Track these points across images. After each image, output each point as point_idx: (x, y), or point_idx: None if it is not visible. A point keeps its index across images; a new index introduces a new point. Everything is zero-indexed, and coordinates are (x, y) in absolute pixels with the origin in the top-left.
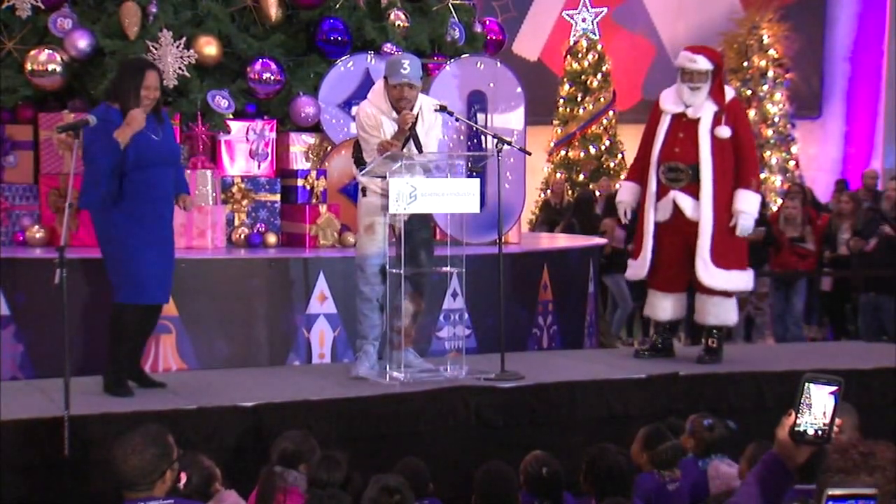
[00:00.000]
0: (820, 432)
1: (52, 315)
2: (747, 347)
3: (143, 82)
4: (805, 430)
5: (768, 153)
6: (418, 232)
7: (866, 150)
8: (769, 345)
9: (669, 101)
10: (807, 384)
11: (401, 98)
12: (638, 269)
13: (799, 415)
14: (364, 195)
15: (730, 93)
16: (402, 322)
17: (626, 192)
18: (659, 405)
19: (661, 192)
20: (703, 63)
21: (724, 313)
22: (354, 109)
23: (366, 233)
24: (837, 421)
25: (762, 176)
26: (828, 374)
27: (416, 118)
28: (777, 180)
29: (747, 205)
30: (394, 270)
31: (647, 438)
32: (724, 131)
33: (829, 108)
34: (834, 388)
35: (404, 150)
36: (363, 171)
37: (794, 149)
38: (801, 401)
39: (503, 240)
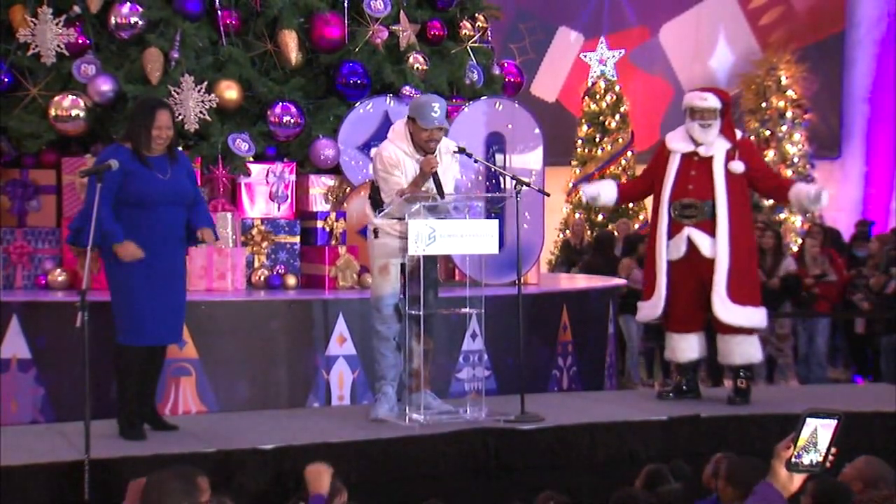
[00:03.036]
0: (815, 462)
1: (74, 358)
2: (770, 389)
3: (154, 122)
4: (801, 461)
5: None
6: (428, 273)
7: (887, 191)
8: (792, 386)
9: (678, 141)
10: (807, 418)
11: (430, 140)
12: (651, 309)
13: (803, 450)
14: (376, 237)
15: (738, 133)
16: (414, 363)
17: (608, 185)
18: (680, 447)
19: (674, 230)
20: (712, 101)
21: (749, 351)
22: (374, 151)
23: (380, 273)
24: (833, 450)
25: (781, 216)
26: (828, 409)
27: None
28: (797, 220)
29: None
30: (412, 311)
31: (649, 478)
32: (738, 166)
33: (849, 148)
34: (833, 422)
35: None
36: (381, 214)
37: None
38: (801, 434)
39: (522, 280)
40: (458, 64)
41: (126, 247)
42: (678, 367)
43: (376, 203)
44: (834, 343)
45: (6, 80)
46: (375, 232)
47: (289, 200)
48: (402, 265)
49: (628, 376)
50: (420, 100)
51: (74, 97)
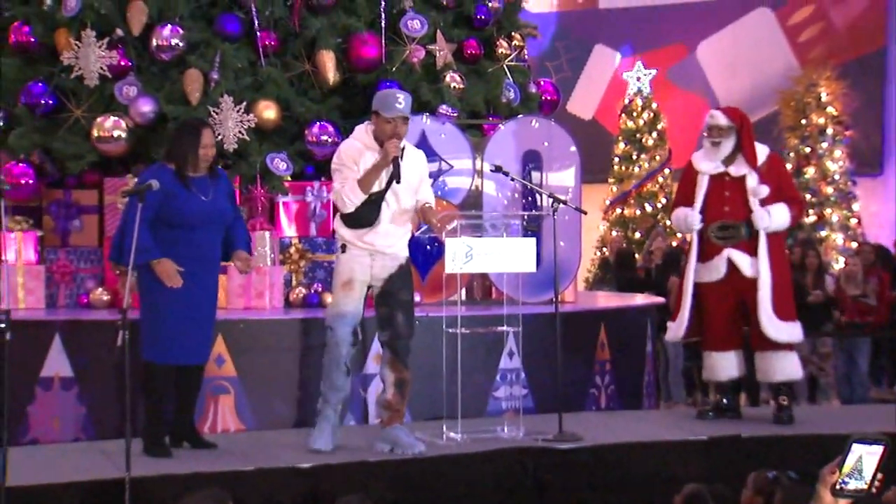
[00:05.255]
0: (860, 488)
1: (115, 377)
2: (812, 409)
3: (200, 141)
4: (846, 487)
5: (829, 211)
6: (398, 293)
7: None
8: (834, 406)
9: (706, 161)
10: (853, 444)
11: (394, 134)
12: (676, 329)
13: (848, 476)
14: (343, 251)
15: (764, 150)
16: (387, 395)
17: (685, 210)
18: (720, 468)
19: (711, 251)
20: (719, 118)
21: (790, 368)
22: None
23: (343, 289)
24: (879, 476)
25: (822, 234)
26: (874, 435)
27: (402, 152)
28: (839, 238)
29: (776, 210)
30: (383, 338)
31: (688, 500)
32: (762, 191)
33: (890, 165)
34: (880, 449)
35: (390, 184)
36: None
37: (855, 206)
38: (846, 460)
39: (559, 298)
40: (494, 82)
41: (165, 265)
42: (717, 385)
43: (344, 219)
44: (879, 363)
45: (50, 102)
46: (343, 247)
47: (326, 218)
48: (369, 286)
49: (668, 395)
50: (383, 91)
51: (116, 118)
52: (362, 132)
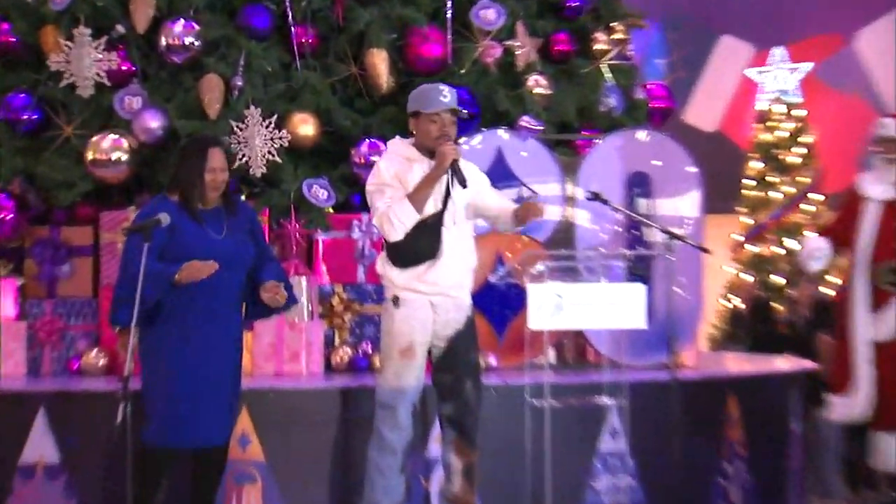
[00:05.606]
0: None
1: (112, 462)
2: None
3: (206, 164)
4: None
5: None
6: (466, 354)
7: None
8: None
9: (875, 184)
10: None
11: (442, 133)
12: (850, 407)
13: None
14: (397, 305)
15: None
16: (454, 487)
17: (819, 242)
18: None
19: (879, 300)
20: (892, 129)
21: None
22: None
23: (401, 357)
24: None
25: None
26: None
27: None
28: None
29: None
30: (447, 413)
31: None
32: None
33: None
34: None
35: (451, 191)
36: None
37: None
38: None
39: (676, 362)
40: (590, 86)
41: (189, 267)
42: (889, 478)
43: (395, 257)
44: None
45: (34, 117)
46: (396, 300)
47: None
48: (430, 347)
49: (823, 489)
50: (420, 87)
51: (116, 137)
52: (399, 146)
